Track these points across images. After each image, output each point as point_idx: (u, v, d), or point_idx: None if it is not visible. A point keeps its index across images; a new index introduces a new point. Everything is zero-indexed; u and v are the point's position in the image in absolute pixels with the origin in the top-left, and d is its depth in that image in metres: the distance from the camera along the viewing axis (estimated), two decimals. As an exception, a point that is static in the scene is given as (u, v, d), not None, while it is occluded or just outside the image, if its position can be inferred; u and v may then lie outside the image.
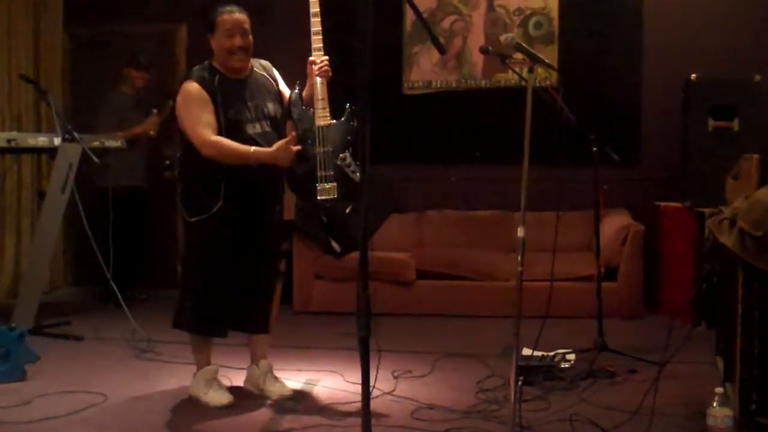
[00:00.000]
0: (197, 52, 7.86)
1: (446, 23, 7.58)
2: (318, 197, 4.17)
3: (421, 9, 7.31)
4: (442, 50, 3.77)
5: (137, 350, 5.38)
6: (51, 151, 5.85)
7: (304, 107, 4.28)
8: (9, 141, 5.57)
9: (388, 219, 7.12)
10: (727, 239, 3.63)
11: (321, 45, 4.26)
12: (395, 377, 4.69)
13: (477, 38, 7.47)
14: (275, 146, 4.02)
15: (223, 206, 4.12)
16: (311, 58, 4.25)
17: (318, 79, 4.21)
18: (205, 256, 4.23)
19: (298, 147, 4.07)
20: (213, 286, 4.21)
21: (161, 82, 7.65)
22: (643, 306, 6.60)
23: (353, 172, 4.17)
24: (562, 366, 4.66)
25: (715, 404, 3.52)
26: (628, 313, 6.42)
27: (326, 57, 4.25)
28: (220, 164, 4.09)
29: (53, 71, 7.83)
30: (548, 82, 6.67)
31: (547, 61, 4.61)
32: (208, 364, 4.38)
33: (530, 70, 4.33)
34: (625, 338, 5.39)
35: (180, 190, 4.32)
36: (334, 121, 4.24)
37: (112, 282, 5.74)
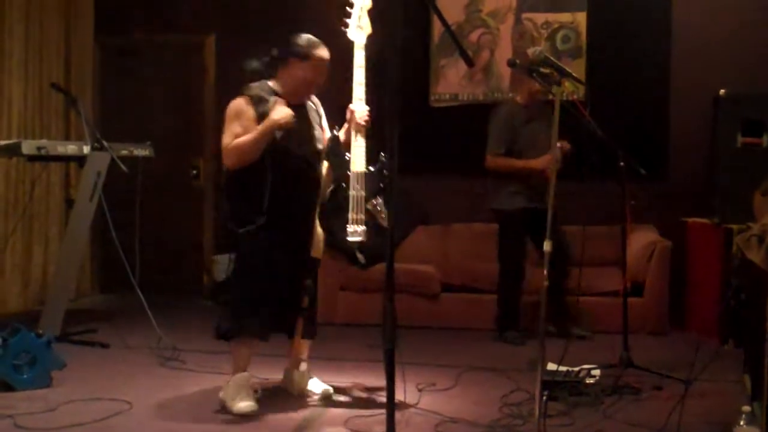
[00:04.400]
0: (226, 63, 7.99)
1: (474, 36, 7.58)
2: (348, 238, 4.31)
3: (449, 22, 7.35)
4: (470, 63, 3.77)
5: (162, 358, 5.40)
6: (80, 160, 5.90)
7: (341, 151, 4.39)
8: (39, 149, 5.63)
9: (413, 231, 7.14)
10: (756, 256, 3.60)
11: (363, 95, 4.37)
12: (419, 390, 4.68)
13: (504, 51, 7.46)
14: (278, 113, 4.18)
15: (267, 218, 4.24)
16: (351, 106, 4.36)
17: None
18: (254, 265, 4.32)
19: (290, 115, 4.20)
20: (261, 293, 4.32)
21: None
22: (670, 322, 6.54)
23: (383, 218, 4.30)
24: (587, 381, 4.64)
25: (742, 423, 3.50)
26: (654, 329, 6.38)
27: (368, 108, 4.37)
28: (264, 177, 4.23)
29: (83, 80, 7.91)
30: (575, 96, 6.66)
31: (574, 74, 4.61)
32: (245, 371, 4.42)
33: (557, 84, 4.34)
34: (651, 354, 5.35)
35: (225, 202, 4.42)
36: (371, 168, 4.36)
37: (138, 289, 5.75)
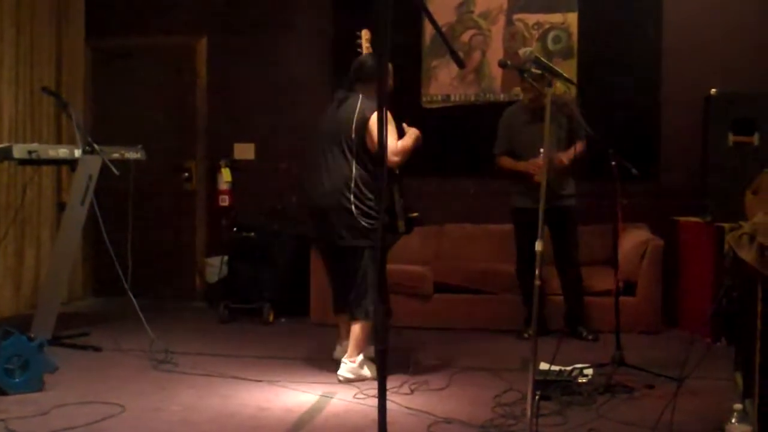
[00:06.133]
0: (218, 65, 7.99)
1: (465, 37, 7.59)
2: (398, 231, 5.13)
3: (441, 23, 7.39)
4: (460, 64, 3.78)
5: (155, 361, 5.39)
6: (71, 163, 5.89)
7: None
8: (30, 152, 5.61)
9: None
10: (747, 254, 3.61)
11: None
12: (412, 390, 4.68)
13: (496, 52, 7.47)
14: (416, 130, 5.20)
15: (386, 215, 4.92)
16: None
17: None
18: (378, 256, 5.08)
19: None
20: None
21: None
22: (662, 321, 6.55)
23: (411, 212, 5.20)
24: (580, 381, 4.64)
25: (734, 420, 3.50)
26: (647, 328, 6.39)
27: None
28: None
29: (75, 83, 7.90)
30: (568, 97, 6.67)
31: (565, 75, 4.61)
32: None
33: (549, 84, 4.35)
34: (643, 353, 5.36)
35: (355, 203, 4.98)
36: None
37: (130, 293, 5.74)
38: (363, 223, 4.98)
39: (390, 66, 5.08)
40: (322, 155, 5.14)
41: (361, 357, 5.01)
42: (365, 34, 5.29)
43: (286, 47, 7.85)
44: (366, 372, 4.99)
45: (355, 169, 5.01)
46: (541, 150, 5.86)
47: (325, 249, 5.38)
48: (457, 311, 6.69)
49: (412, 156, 5.15)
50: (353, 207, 4.97)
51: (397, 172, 5.12)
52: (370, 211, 4.97)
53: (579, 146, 6.00)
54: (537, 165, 5.80)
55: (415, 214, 5.30)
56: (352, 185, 5.00)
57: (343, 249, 5.08)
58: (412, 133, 5.18)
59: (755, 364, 3.57)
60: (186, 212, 8.06)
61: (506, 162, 6.27)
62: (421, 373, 5.07)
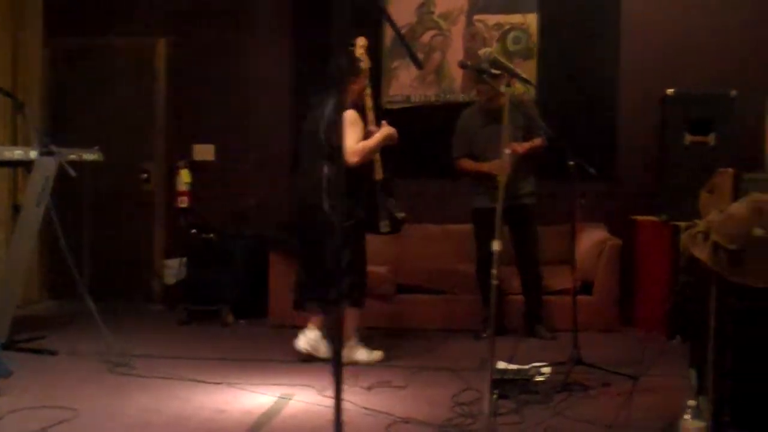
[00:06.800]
0: (177, 67, 7.93)
1: (426, 38, 7.60)
2: (381, 230, 5.57)
3: (401, 24, 7.39)
4: (419, 65, 3.82)
5: (111, 364, 5.32)
6: (27, 165, 5.81)
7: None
8: (-16, 154, 5.53)
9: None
10: (701, 252, 3.65)
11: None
12: (369, 390, 4.68)
13: (456, 53, 7.49)
14: (388, 129, 5.46)
15: (361, 212, 5.31)
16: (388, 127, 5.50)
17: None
18: (361, 250, 5.41)
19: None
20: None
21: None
22: (619, 319, 6.61)
23: (399, 212, 5.63)
24: (537, 379, 4.66)
25: (688, 416, 3.53)
26: (604, 327, 6.44)
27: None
28: (362, 179, 5.29)
29: (31, 84, 7.78)
30: (526, 97, 6.71)
31: (524, 75, 4.65)
32: None
33: (507, 85, 4.38)
34: (600, 351, 5.38)
35: (327, 199, 5.23)
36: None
37: (86, 296, 5.66)
38: (337, 219, 5.15)
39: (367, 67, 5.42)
40: (303, 157, 5.49)
41: (352, 342, 5.39)
42: (360, 41, 5.40)
43: (246, 48, 7.82)
44: (360, 356, 5.40)
45: (327, 168, 5.26)
46: (506, 151, 5.93)
47: (304, 247, 5.57)
48: (419, 312, 6.69)
49: (381, 154, 5.50)
50: (326, 204, 5.23)
51: (386, 176, 5.53)
52: (347, 208, 5.14)
53: (537, 141, 6.05)
54: (500, 166, 5.83)
55: (403, 215, 5.62)
56: (324, 183, 5.25)
57: (322, 244, 5.28)
58: (381, 132, 5.40)
59: (709, 361, 3.62)
60: (144, 214, 7.98)
61: (467, 164, 6.29)
62: (381, 374, 5.08)
